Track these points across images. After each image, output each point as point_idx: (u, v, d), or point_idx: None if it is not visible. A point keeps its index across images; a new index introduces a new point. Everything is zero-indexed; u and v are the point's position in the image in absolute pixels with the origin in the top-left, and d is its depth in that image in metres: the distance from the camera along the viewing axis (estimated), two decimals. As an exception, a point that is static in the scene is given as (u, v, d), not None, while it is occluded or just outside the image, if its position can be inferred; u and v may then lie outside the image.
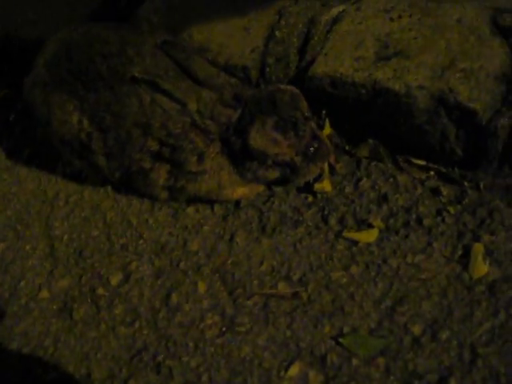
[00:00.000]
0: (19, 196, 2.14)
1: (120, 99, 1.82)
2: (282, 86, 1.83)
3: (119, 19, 2.34)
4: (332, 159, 1.93)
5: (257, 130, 1.75)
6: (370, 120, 1.92)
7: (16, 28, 2.43)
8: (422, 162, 1.93)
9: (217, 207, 1.94)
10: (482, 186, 1.86)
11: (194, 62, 1.82)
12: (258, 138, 1.75)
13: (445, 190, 1.86)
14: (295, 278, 1.74)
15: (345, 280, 1.71)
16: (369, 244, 1.77)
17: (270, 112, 1.75)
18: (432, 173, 1.92)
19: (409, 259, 1.72)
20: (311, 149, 1.78)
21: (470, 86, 1.78)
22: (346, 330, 1.61)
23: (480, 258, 1.69)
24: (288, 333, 1.63)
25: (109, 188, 2.07)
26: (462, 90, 1.77)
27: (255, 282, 1.75)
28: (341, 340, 1.59)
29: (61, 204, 2.07)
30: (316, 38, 2.03)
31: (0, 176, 2.23)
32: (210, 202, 1.94)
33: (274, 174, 1.83)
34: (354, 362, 1.55)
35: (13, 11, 2.49)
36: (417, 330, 1.58)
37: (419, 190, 1.88)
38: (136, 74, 1.77)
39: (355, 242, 1.78)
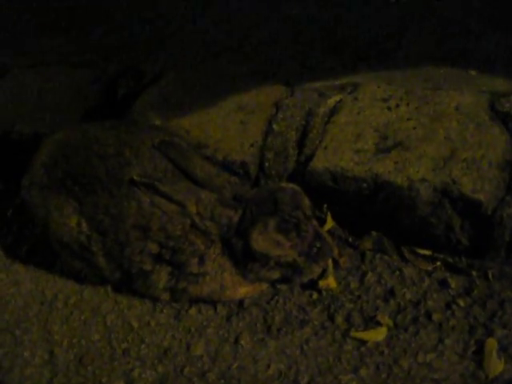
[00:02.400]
0: (17, 298, 2.08)
1: (118, 202, 1.79)
2: (283, 185, 1.81)
3: (116, 113, 2.33)
4: (336, 253, 1.90)
5: (259, 232, 1.71)
6: (373, 212, 1.90)
7: (13, 123, 2.42)
8: (427, 252, 1.90)
9: (220, 307, 1.89)
10: (490, 275, 1.83)
11: (192, 162, 1.80)
12: (261, 241, 1.71)
13: (453, 282, 1.82)
14: (303, 382, 1.68)
15: (355, 383, 1.65)
16: (378, 343, 1.72)
17: (272, 212, 1.72)
18: (439, 263, 1.88)
19: (420, 358, 1.67)
20: (314, 249, 1.74)
21: (473, 177, 1.76)
22: None
23: (494, 354, 1.64)
24: None
25: (109, 288, 2.02)
26: (465, 181, 1.75)
27: (262, 388, 1.69)
28: None
29: (60, 306, 2.01)
30: (314, 131, 2.02)
31: (-3, 276, 2.18)
32: (212, 302, 1.89)
33: (276, 274, 1.79)
34: None
35: (9, 107, 2.49)
36: None
37: (426, 283, 1.84)
38: (134, 177, 1.75)
39: (364, 342, 1.73)
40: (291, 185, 1.82)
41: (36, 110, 2.45)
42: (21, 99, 2.50)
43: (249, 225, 1.73)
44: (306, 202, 1.78)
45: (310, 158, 1.94)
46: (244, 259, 1.77)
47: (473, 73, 2.19)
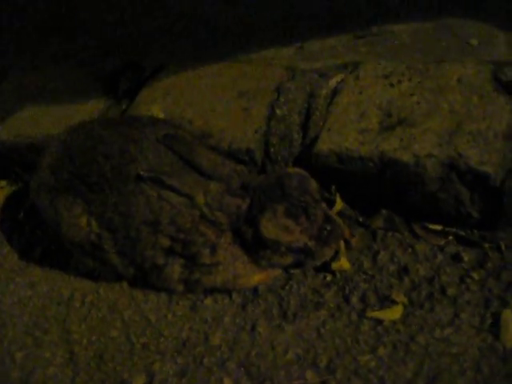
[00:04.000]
0: (34, 299, 2.10)
1: (126, 199, 1.79)
2: (290, 170, 1.81)
3: (119, 110, 2.33)
4: (347, 234, 1.89)
5: (268, 219, 1.71)
6: (382, 191, 1.89)
7: (21, 126, 2.43)
8: (439, 228, 1.89)
9: (235, 295, 1.90)
10: (503, 246, 1.82)
11: (198, 153, 1.79)
12: (270, 227, 1.71)
13: (466, 255, 1.82)
14: (322, 365, 1.69)
15: (373, 363, 1.65)
16: (394, 322, 1.72)
17: (280, 199, 1.72)
18: (451, 237, 1.87)
19: (437, 334, 1.67)
20: (324, 232, 1.74)
21: (480, 149, 1.74)
22: (380, 418, 1.56)
23: (511, 325, 1.64)
24: (321, 426, 1.58)
25: (124, 284, 2.03)
26: (471, 154, 1.74)
27: (282, 373, 1.70)
28: (376, 430, 1.54)
29: (77, 305, 2.03)
30: (317, 113, 2.00)
31: (13, 279, 2.19)
32: (227, 291, 1.90)
33: (288, 259, 1.79)
34: None
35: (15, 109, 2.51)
36: (455, 411, 1.52)
37: (439, 258, 1.83)
38: (141, 173, 1.75)
39: (380, 321, 1.73)
40: (298, 169, 1.81)
41: (39, 111, 2.45)
42: (24, 101, 2.51)
43: (257, 212, 1.73)
44: (314, 185, 1.77)
45: (315, 140, 1.93)
46: (255, 247, 1.77)
47: (474, 43, 2.17)
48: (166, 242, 1.80)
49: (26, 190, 2.23)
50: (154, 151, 1.81)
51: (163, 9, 2.81)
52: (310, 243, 1.75)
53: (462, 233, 1.86)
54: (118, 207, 1.81)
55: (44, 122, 2.39)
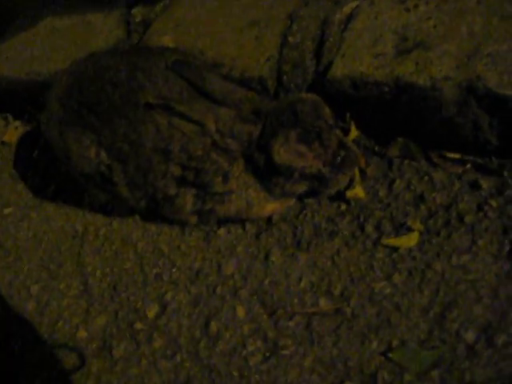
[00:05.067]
0: (49, 234, 2.10)
1: (136, 127, 1.76)
2: (303, 95, 1.76)
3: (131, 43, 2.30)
4: (362, 163, 1.85)
5: (280, 144, 1.68)
6: (398, 118, 1.84)
7: (33, 64, 2.41)
8: (456, 156, 1.83)
9: (248, 226, 1.88)
10: (522, 174, 1.77)
11: (208, 80, 1.75)
12: (283, 153, 1.68)
13: (484, 183, 1.77)
14: (336, 292, 1.67)
15: (388, 290, 1.63)
16: (410, 249, 1.69)
17: (292, 124, 1.67)
18: (468, 165, 1.82)
19: (454, 261, 1.63)
20: (338, 158, 1.70)
21: (499, 71, 1.68)
22: (394, 343, 1.54)
23: (528, 252, 1.60)
24: (335, 352, 1.56)
25: (137, 217, 2.02)
26: (490, 76, 1.67)
27: (295, 301, 1.68)
28: (390, 355, 1.52)
29: (91, 238, 2.03)
30: (331, 40, 1.95)
31: (28, 215, 2.20)
32: (241, 221, 1.88)
33: (302, 187, 1.76)
34: (407, 377, 1.47)
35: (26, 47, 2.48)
36: (470, 336, 1.49)
37: (457, 186, 1.79)
38: (150, 100, 1.72)
39: (395, 249, 1.70)
40: (310, 95, 1.76)
41: (51, 49, 2.43)
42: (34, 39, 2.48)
43: (270, 138, 1.69)
44: (327, 111, 1.73)
45: (329, 67, 1.88)
46: (268, 174, 1.74)
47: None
48: (177, 171, 1.77)
49: (39, 129, 2.21)
50: (164, 78, 1.77)
51: None
52: (324, 169, 1.71)
53: (481, 161, 1.81)
54: (128, 136, 1.78)
55: (56, 58, 2.36)
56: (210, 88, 1.73)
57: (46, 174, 2.31)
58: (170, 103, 1.70)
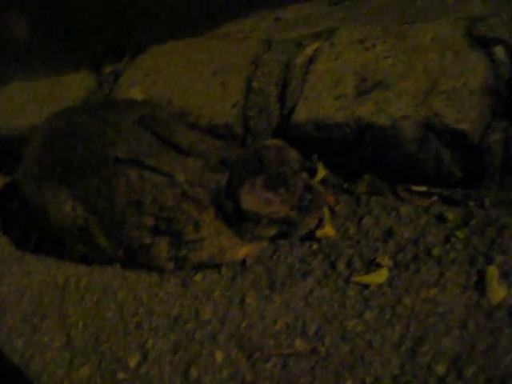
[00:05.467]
0: (31, 287, 2.14)
1: (108, 182, 1.81)
2: (268, 142, 1.81)
3: (103, 94, 2.35)
4: (331, 201, 1.90)
5: (247, 192, 1.72)
6: (362, 156, 1.89)
7: (7, 117, 2.45)
8: (423, 189, 1.88)
9: (224, 269, 1.92)
10: (487, 203, 1.81)
11: (175, 132, 1.81)
12: (250, 200, 1.73)
13: (450, 215, 1.81)
14: (311, 332, 1.70)
15: (360, 327, 1.66)
16: (380, 285, 1.73)
17: (258, 171, 1.72)
18: (435, 198, 1.87)
19: (423, 295, 1.67)
20: (305, 201, 1.75)
21: (456, 107, 1.73)
22: (368, 380, 1.56)
23: (495, 281, 1.64)
24: (311, 392, 1.60)
25: (117, 265, 2.06)
26: (447, 112, 1.73)
27: (272, 343, 1.71)
28: (365, 393, 1.55)
29: (72, 289, 2.06)
30: (294, 83, 2.00)
31: (10, 269, 2.24)
32: (216, 265, 1.92)
33: (272, 231, 1.81)
34: (381, 414, 1.51)
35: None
36: (440, 369, 1.52)
37: (424, 219, 1.83)
38: (119, 155, 1.77)
39: (366, 286, 1.73)
40: (275, 141, 1.82)
41: (23, 101, 2.47)
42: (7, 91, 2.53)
43: (237, 186, 1.74)
44: (292, 155, 1.78)
45: (293, 110, 1.93)
46: (237, 220, 1.78)
47: (450, 0, 2.14)
48: (150, 221, 1.82)
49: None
50: (132, 133, 1.82)
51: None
52: (292, 213, 1.76)
53: (447, 192, 1.86)
54: (101, 190, 1.83)
55: (30, 112, 2.41)
56: (177, 140, 1.79)
57: (27, 226, 2.35)
58: (138, 158, 1.75)
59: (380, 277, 1.74)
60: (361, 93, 1.85)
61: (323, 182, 1.96)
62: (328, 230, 1.87)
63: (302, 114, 1.89)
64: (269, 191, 1.73)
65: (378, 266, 1.77)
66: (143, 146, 1.80)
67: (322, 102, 1.88)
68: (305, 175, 1.80)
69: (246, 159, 1.76)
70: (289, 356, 1.68)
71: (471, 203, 1.82)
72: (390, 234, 1.82)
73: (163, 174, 1.76)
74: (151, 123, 1.82)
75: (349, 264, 1.80)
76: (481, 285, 1.64)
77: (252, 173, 1.73)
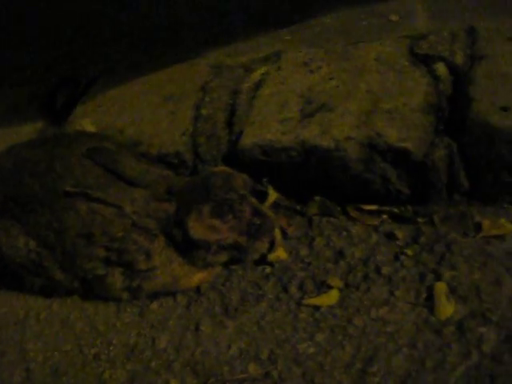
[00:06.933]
0: (-8, 323, 2.14)
1: (58, 215, 1.82)
2: (215, 169, 1.83)
3: (57, 127, 2.36)
4: (283, 223, 1.92)
5: (194, 221, 1.74)
6: (311, 178, 1.90)
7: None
8: (373, 207, 1.90)
9: (179, 297, 1.93)
10: (436, 219, 1.82)
11: (123, 163, 1.82)
12: (197, 228, 1.74)
13: (399, 233, 1.83)
14: (264, 356, 1.71)
15: (312, 350, 1.67)
16: (331, 306, 1.74)
17: (205, 199, 1.74)
18: (385, 216, 1.88)
19: (373, 314, 1.69)
20: (253, 226, 1.76)
21: (398, 126, 1.75)
22: (320, 403, 1.58)
23: (443, 297, 1.65)
24: (264, 417, 1.60)
25: (75, 297, 2.06)
26: (389, 132, 1.75)
27: (226, 369, 1.72)
28: (315, 416, 1.56)
29: (32, 323, 2.06)
30: (241, 109, 2.02)
31: (-30, 305, 2.24)
32: (172, 293, 1.93)
33: (223, 257, 1.82)
34: None
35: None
36: (390, 388, 1.54)
37: (374, 238, 1.85)
38: (67, 189, 1.78)
39: (317, 308, 1.75)
40: (223, 168, 1.84)
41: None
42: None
43: (184, 215, 1.75)
44: (239, 182, 1.79)
45: (240, 136, 1.95)
46: (188, 248, 1.80)
47: (394, 19, 2.17)
48: (102, 253, 1.83)
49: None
50: (80, 166, 1.83)
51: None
52: (241, 239, 1.77)
53: (396, 210, 1.87)
54: (52, 224, 1.84)
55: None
56: (124, 171, 1.80)
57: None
58: (86, 191, 1.76)
59: (331, 298, 1.75)
60: (306, 116, 1.87)
61: (275, 204, 1.97)
62: (280, 253, 1.88)
63: (248, 140, 1.90)
64: (216, 219, 1.74)
65: (329, 287, 1.78)
66: (91, 179, 1.81)
67: (268, 126, 1.89)
68: (254, 200, 1.80)
69: (193, 188, 1.77)
70: (243, 381, 1.68)
71: (420, 220, 1.84)
72: (340, 254, 1.84)
73: (111, 206, 1.77)
74: (98, 156, 1.83)
75: (301, 286, 1.81)
76: (430, 301, 1.66)
77: (199, 201, 1.74)
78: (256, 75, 2.08)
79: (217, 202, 1.74)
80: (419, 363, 1.55)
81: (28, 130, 2.44)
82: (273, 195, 1.97)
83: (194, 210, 1.74)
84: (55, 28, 2.91)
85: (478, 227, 1.79)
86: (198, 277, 1.88)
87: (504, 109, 1.69)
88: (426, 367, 1.53)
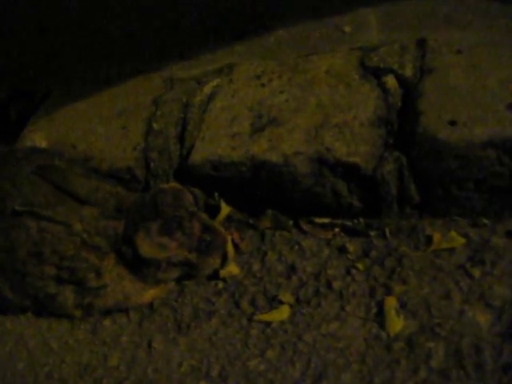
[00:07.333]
0: None
1: (7, 234, 1.80)
2: (165, 186, 1.83)
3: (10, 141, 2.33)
4: (236, 238, 1.91)
5: (142, 238, 1.73)
6: (262, 192, 1.90)
7: None
8: (325, 220, 1.90)
9: (132, 314, 1.91)
10: (387, 232, 1.83)
11: (72, 180, 1.81)
12: (145, 246, 1.74)
13: (351, 246, 1.83)
14: (214, 374, 1.70)
15: (262, 367, 1.66)
16: (282, 322, 1.73)
17: (153, 216, 1.74)
18: (337, 229, 1.88)
19: (323, 330, 1.68)
20: (204, 242, 1.76)
21: (347, 141, 1.75)
22: (268, 423, 1.58)
23: (393, 312, 1.66)
24: None
25: (29, 314, 2.04)
26: (338, 146, 1.75)
27: (177, 387, 1.72)
28: None
29: (-14, 341, 2.05)
30: (192, 123, 2.01)
31: None
32: (123, 310, 1.91)
33: (174, 273, 1.82)
34: None
35: None
36: (338, 406, 1.54)
37: (326, 252, 1.85)
38: (16, 208, 1.76)
39: (268, 324, 1.74)
40: (172, 184, 1.83)
41: None
42: None
43: (133, 233, 1.75)
44: (189, 198, 1.79)
45: (191, 150, 1.94)
46: (138, 265, 1.79)
47: (347, 30, 2.16)
48: (52, 271, 1.81)
49: None
50: (29, 184, 1.81)
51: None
52: (191, 256, 1.77)
53: (349, 223, 1.87)
54: (1, 243, 1.82)
55: None
56: (73, 189, 1.79)
57: None
58: (34, 209, 1.74)
59: (282, 314, 1.75)
60: (256, 130, 1.86)
61: (228, 218, 1.96)
62: (232, 269, 1.87)
63: (198, 155, 1.89)
64: (164, 236, 1.73)
65: (281, 302, 1.78)
66: (39, 197, 1.79)
67: (218, 141, 1.89)
68: (204, 216, 1.80)
69: (142, 205, 1.77)
70: (193, 400, 1.68)
71: (372, 233, 1.84)
72: (292, 269, 1.84)
73: (60, 224, 1.76)
74: (47, 173, 1.81)
75: (252, 302, 1.81)
76: (380, 316, 1.66)
77: (147, 218, 1.74)
78: (208, 88, 2.07)
79: (165, 219, 1.73)
80: (368, 380, 1.55)
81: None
82: (225, 209, 1.97)
83: (142, 228, 1.74)
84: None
85: (429, 240, 1.79)
86: (150, 293, 1.87)
87: (452, 123, 1.69)
88: (349, 384, 1.54)
